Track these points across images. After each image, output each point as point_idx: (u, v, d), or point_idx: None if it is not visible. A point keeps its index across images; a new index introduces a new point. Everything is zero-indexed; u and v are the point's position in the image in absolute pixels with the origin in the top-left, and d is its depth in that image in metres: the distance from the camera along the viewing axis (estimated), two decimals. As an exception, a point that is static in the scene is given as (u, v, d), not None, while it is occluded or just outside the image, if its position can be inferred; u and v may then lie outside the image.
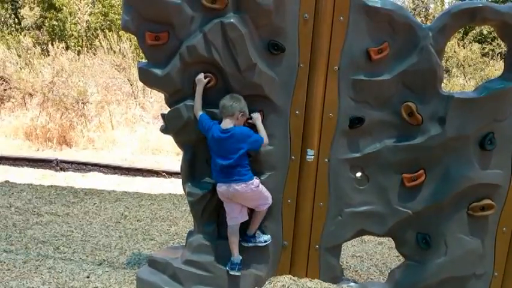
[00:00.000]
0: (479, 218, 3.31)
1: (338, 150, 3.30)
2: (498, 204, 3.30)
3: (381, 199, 3.35)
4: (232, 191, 3.13)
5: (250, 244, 3.31)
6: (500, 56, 14.71)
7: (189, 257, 3.35)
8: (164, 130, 3.40)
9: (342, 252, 3.65)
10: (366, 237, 4.81)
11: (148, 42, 3.19)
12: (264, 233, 3.36)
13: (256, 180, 3.18)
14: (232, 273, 3.26)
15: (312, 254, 3.44)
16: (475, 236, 3.33)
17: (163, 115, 3.37)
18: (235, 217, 3.22)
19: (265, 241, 3.33)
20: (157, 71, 3.22)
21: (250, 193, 3.14)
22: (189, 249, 3.38)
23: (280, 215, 3.39)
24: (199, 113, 3.18)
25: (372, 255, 4.56)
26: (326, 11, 3.13)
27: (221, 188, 3.18)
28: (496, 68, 13.38)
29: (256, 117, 3.20)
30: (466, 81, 12.81)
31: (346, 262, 4.37)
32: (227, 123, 3.10)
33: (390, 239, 3.62)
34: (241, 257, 3.28)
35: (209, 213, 3.35)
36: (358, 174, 3.39)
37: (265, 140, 3.16)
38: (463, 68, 14.07)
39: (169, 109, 3.33)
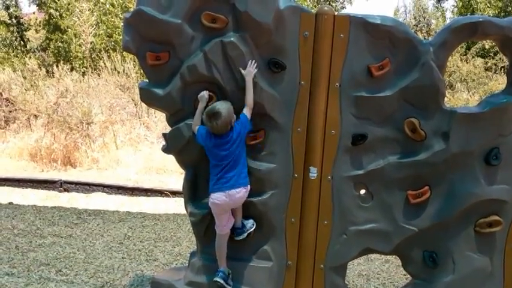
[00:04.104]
0: (487, 235, 3.25)
1: (341, 167, 3.27)
2: (505, 221, 3.24)
3: (385, 216, 3.30)
4: (229, 200, 3.12)
5: (244, 235, 3.30)
6: (504, 70, 14.69)
7: (191, 278, 3.30)
8: (166, 150, 3.39)
9: (348, 271, 3.58)
10: (371, 256, 4.73)
11: (149, 62, 3.20)
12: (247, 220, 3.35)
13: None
14: (215, 279, 3.19)
15: (317, 273, 3.38)
16: (483, 253, 3.26)
17: (164, 135, 3.37)
18: (225, 225, 3.21)
19: (252, 224, 3.32)
20: (158, 91, 3.22)
21: (244, 197, 3.18)
22: (192, 270, 3.33)
23: (284, 235, 3.34)
24: (197, 127, 3.17)
25: (378, 274, 4.49)
26: (326, 28, 3.13)
27: (219, 199, 3.12)
28: (500, 82, 13.36)
29: (247, 73, 3.12)
30: (470, 96, 12.79)
31: (352, 281, 4.30)
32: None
33: (397, 257, 3.55)
34: (228, 269, 3.26)
35: (211, 233, 3.31)
36: (362, 191, 3.34)
37: (247, 113, 3.12)
38: (467, 82, 14.06)
39: (171, 128, 3.32)
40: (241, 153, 3.16)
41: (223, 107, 3.07)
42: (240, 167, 3.14)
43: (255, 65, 3.14)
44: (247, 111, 3.12)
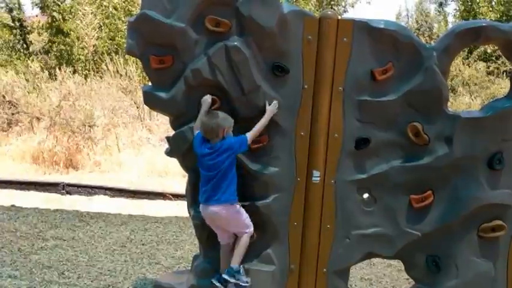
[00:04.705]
0: (490, 240, 3.24)
1: (344, 171, 3.27)
2: (509, 225, 3.23)
3: (388, 221, 3.30)
4: (209, 213, 3.11)
5: (232, 280, 3.13)
6: (506, 74, 14.69)
7: (194, 282, 3.30)
8: (169, 153, 3.39)
9: (350, 276, 3.58)
10: (374, 260, 4.72)
11: (153, 66, 3.20)
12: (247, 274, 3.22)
13: (236, 205, 3.12)
14: (212, 280, 3.18)
15: (320, 277, 3.37)
16: (487, 258, 3.26)
17: (168, 138, 3.37)
18: (220, 237, 3.22)
19: (246, 282, 3.17)
20: (162, 94, 3.23)
21: (225, 215, 3.10)
22: (194, 274, 3.33)
23: (287, 239, 3.34)
24: (197, 131, 3.16)
25: (381, 278, 4.48)
26: (329, 32, 3.13)
27: (201, 211, 3.16)
28: (502, 86, 13.37)
29: (269, 111, 3.12)
30: (472, 100, 12.79)
31: (355, 285, 4.29)
32: (214, 141, 3.08)
33: (399, 261, 3.55)
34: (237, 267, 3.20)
35: (214, 237, 3.31)
36: (365, 195, 3.34)
37: (250, 136, 3.07)
38: (469, 86, 14.07)
39: (174, 132, 3.33)
40: (229, 170, 3.09)
41: (223, 114, 3.09)
42: (226, 183, 3.08)
43: (277, 105, 3.14)
44: (250, 135, 3.08)
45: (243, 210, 3.17)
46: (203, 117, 3.09)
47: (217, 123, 3.05)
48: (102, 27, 16.62)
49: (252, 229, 3.20)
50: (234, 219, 3.15)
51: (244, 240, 3.18)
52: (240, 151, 3.11)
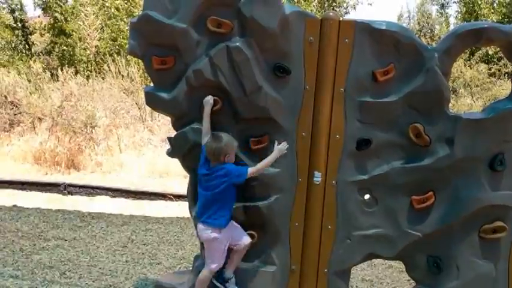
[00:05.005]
0: (491, 241, 3.24)
1: (345, 172, 3.27)
2: (510, 226, 3.23)
3: (389, 221, 3.30)
4: (197, 228, 3.18)
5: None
6: (507, 76, 14.69)
7: (195, 282, 3.29)
8: (170, 154, 3.40)
9: (351, 277, 3.58)
10: (375, 261, 4.72)
11: (154, 67, 3.22)
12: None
13: (215, 235, 3.11)
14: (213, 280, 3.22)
15: (321, 278, 3.37)
16: (488, 259, 3.26)
17: (169, 138, 3.38)
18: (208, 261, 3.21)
19: None
20: (164, 95, 3.23)
21: (205, 237, 3.14)
22: (196, 274, 3.33)
23: (288, 239, 3.34)
24: (204, 139, 3.15)
25: (382, 279, 4.48)
26: (331, 33, 3.14)
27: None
28: (503, 88, 13.36)
29: (277, 150, 3.11)
30: (474, 101, 12.78)
31: (356, 286, 4.29)
32: (214, 164, 3.09)
33: (400, 262, 3.55)
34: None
35: (216, 237, 3.31)
36: (367, 196, 3.35)
37: (251, 171, 3.06)
38: (470, 88, 14.07)
39: (175, 132, 3.33)
40: (223, 195, 3.08)
41: (228, 138, 3.09)
42: (217, 206, 3.09)
43: (286, 146, 3.13)
44: (251, 170, 3.07)
45: (219, 244, 3.13)
46: (208, 140, 3.08)
47: (220, 148, 3.04)
48: (104, 28, 16.66)
49: (213, 268, 3.16)
50: (208, 244, 3.17)
51: (203, 275, 3.18)
52: (237, 182, 3.08)
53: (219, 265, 3.18)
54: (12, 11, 17.63)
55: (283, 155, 3.17)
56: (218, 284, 3.22)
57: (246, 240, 3.23)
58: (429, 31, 21.01)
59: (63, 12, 16.85)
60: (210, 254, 3.18)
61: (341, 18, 3.20)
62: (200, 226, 3.17)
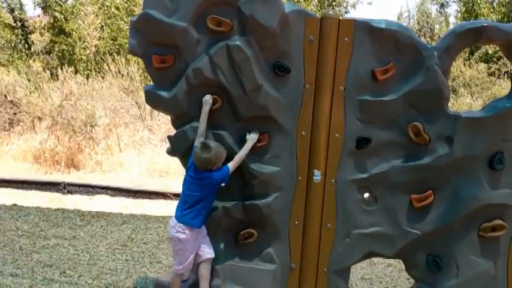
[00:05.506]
0: (491, 239, 3.25)
1: (345, 171, 3.27)
2: (510, 225, 3.24)
3: (389, 220, 3.30)
4: (169, 229, 3.20)
5: None
6: (507, 75, 14.69)
7: (195, 280, 3.30)
8: (170, 152, 3.41)
9: (351, 275, 3.58)
10: (375, 259, 4.73)
11: (154, 65, 3.22)
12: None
13: (182, 236, 3.14)
14: None
15: (320, 277, 3.38)
16: (487, 257, 3.26)
17: (169, 137, 3.39)
18: (178, 263, 3.25)
19: None
20: (164, 94, 3.24)
21: (184, 240, 3.15)
22: (195, 273, 3.33)
23: (288, 238, 3.35)
24: (198, 139, 3.16)
25: (381, 278, 4.48)
26: (331, 32, 3.14)
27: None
28: (503, 87, 13.35)
29: (250, 139, 3.18)
30: (473, 101, 12.78)
31: (356, 285, 4.30)
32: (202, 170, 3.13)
33: (400, 260, 3.55)
34: None
35: (214, 236, 3.32)
36: (366, 195, 3.35)
37: (231, 166, 3.13)
38: (470, 87, 14.06)
39: (175, 131, 3.34)
40: (207, 198, 3.16)
41: (218, 148, 3.12)
42: (199, 207, 3.14)
43: (258, 134, 3.19)
44: (232, 164, 3.13)
45: (184, 245, 3.16)
46: (198, 149, 3.10)
47: (209, 159, 3.08)
48: (104, 28, 16.65)
49: (177, 269, 3.22)
50: (174, 243, 3.22)
51: (171, 277, 3.27)
52: (222, 183, 3.18)
53: (183, 269, 3.22)
54: (12, 10, 17.61)
55: (283, 155, 3.17)
56: None
57: (210, 254, 3.24)
58: (429, 30, 21.01)
59: (63, 12, 16.83)
60: (175, 255, 3.24)
61: (341, 17, 3.20)
62: (172, 222, 3.18)
